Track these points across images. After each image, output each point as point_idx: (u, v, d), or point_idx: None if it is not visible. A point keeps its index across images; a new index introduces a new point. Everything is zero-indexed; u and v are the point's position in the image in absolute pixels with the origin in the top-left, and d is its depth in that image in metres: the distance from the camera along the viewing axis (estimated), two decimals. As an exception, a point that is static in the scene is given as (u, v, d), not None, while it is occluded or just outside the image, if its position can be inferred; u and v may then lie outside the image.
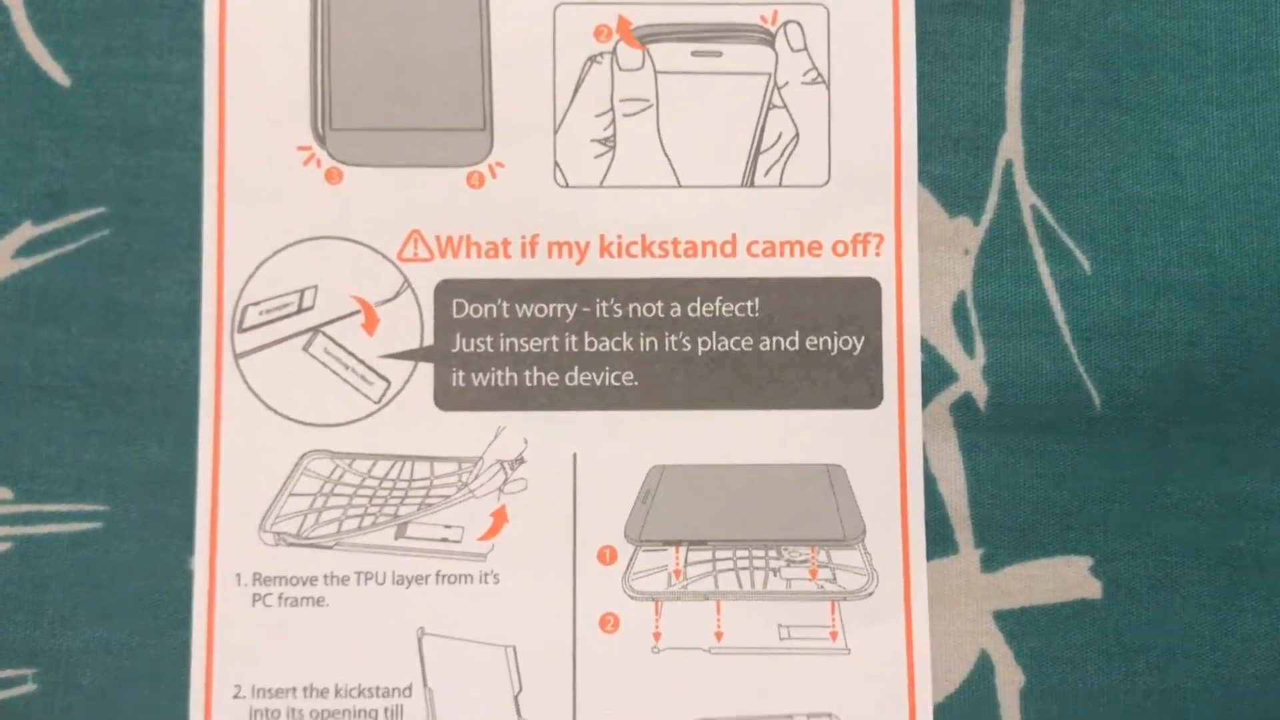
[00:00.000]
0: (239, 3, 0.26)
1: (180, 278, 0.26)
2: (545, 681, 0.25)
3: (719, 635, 0.25)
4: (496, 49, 0.26)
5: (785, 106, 0.26)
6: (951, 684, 0.26)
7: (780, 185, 0.26)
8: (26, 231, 0.26)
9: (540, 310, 0.26)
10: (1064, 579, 0.26)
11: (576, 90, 0.26)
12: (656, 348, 0.26)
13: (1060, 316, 0.26)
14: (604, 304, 0.26)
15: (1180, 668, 0.26)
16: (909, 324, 0.26)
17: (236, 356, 0.26)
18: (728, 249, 0.26)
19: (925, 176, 0.26)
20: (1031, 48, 0.26)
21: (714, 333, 0.26)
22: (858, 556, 0.26)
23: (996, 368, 0.26)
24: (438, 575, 0.25)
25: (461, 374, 0.26)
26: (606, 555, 0.25)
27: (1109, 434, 0.26)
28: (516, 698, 0.25)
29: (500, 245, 0.26)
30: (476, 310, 0.26)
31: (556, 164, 0.26)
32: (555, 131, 0.26)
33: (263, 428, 0.26)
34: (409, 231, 0.26)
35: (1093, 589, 0.26)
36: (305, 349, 0.26)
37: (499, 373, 0.26)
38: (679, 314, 0.26)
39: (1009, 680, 0.26)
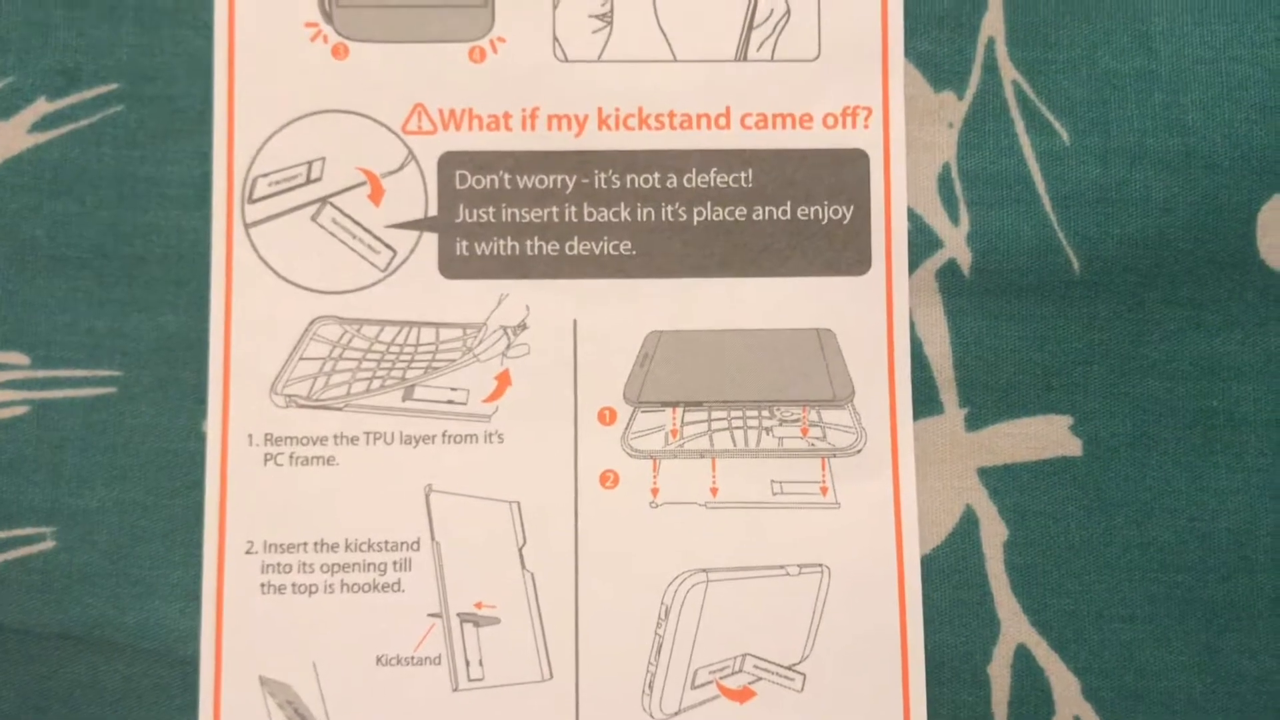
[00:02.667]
0: (247, -117, 0.27)
1: (192, 151, 0.27)
2: (548, 535, 0.26)
3: (714, 491, 0.26)
4: (497, -74, 0.27)
5: (776, -16, 0.27)
6: (938, 537, 0.27)
7: (772, 59, 0.27)
8: (41, 107, 0.27)
9: (540, 181, 0.27)
10: (1045, 437, 0.27)
11: (575, -33, 0.27)
12: (653, 217, 0.27)
13: (1040, 186, 0.27)
14: (602, 175, 0.27)
15: (1158, 521, 0.27)
16: (896, 194, 0.27)
17: (247, 226, 0.26)
18: (722, 121, 0.27)
19: (911, 53, 0.27)
20: (1012, -71, 0.27)
21: (709, 202, 0.27)
22: (847, 416, 0.27)
23: (980, 235, 0.27)
24: (444, 435, 0.26)
25: (465, 243, 0.27)
26: (606, 416, 0.26)
27: (1087, 298, 0.27)
28: (521, 550, 0.26)
29: (501, 118, 0.27)
30: (479, 181, 0.27)
31: (556, 39, 0.27)
32: (555, 7, 0.27)
33: (273, 295, 0.26)
34: (413, 105, 0.27)
35: (1073, 446, 0.27)
36: (314, 219, 0.27)
37: (501, 242, 0.27)
38: (675, 184, 0.27)
39: (993, 533, 0.27)
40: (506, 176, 0.27)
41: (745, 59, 0.27)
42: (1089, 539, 0.27)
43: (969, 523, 0.27)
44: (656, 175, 0.27)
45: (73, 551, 0.26)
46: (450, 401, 0.26)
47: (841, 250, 0.27)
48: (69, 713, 0.26)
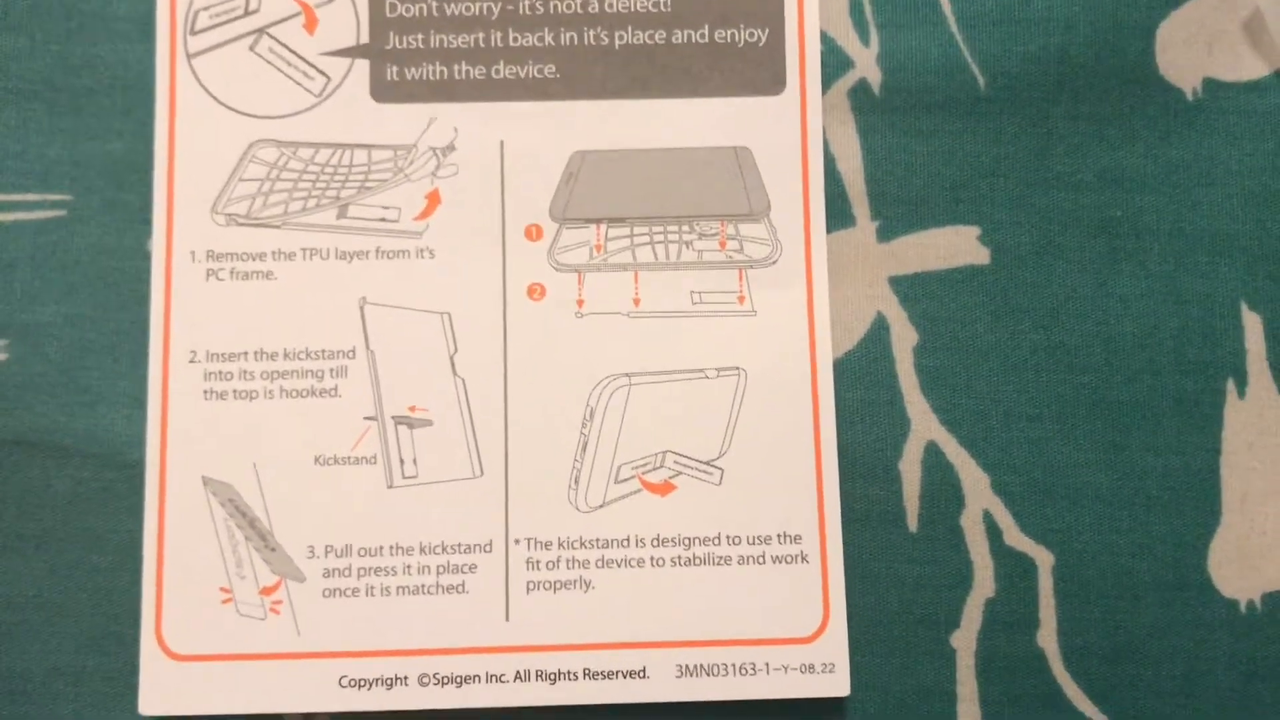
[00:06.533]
0: None
1: (134, -13, 0.28)
2: (478, 343, 0.27)
3: (636, 301, 0.27)
4: None
5: None
6: (850, 342, 0.28)
7: (687, -110, 0.28)
8: (-9, -52, 0.28)
9: (467, 8, 0.28)
10: (954, 247, 0.28)
11: None
12: (576, 41, 0.28)
13: (946, 7, 0.28)
14: (526, 1, 0.28)
15: (1063, 326, 0.28)
16: (809, 17, 0.28)
17: (189, 57, 0.28)
18: (640, -51, 0.28)
19: (822, -117, 0.28)
20: None
21: (630, 26, 0.28)
22: (763, 229, 0.28)
23: (890, 55, 0.28)
24: (377, 251, 0.27)
25: (395, 69, 0.28)
26: (533, 232, 0.28)
27: (994, 113, 0.28)
28: (452, 358, 0.27)
29: (429, -51, 0.28)
30: (408, 10, 0.28)
31: (480, -128, 0.28)
32: None
33: (213, 120, 0.28)
34: (345, -62, 0.28)
35: (981, 255, 0.28)
36: (252, 48, 0.28)
37: (430, 67, 0.28)
38: (596, 10, 0.28)
39: (903, 338, 0.28)
40: (434, 4, 0.28)
41: (661, -111, 0.28)
42: (997, 343, 0.28)
43: (880, 328, 0.28)
44: (579, 0, 0.28)
45: (25, 363, 0.27)
46: (383, 220, 0.28)
47: (757, 71, 0.28)
48: (21, 513, 0.27)
